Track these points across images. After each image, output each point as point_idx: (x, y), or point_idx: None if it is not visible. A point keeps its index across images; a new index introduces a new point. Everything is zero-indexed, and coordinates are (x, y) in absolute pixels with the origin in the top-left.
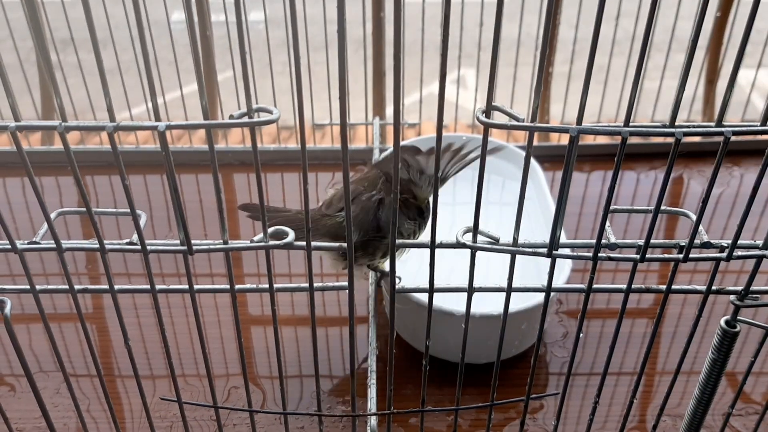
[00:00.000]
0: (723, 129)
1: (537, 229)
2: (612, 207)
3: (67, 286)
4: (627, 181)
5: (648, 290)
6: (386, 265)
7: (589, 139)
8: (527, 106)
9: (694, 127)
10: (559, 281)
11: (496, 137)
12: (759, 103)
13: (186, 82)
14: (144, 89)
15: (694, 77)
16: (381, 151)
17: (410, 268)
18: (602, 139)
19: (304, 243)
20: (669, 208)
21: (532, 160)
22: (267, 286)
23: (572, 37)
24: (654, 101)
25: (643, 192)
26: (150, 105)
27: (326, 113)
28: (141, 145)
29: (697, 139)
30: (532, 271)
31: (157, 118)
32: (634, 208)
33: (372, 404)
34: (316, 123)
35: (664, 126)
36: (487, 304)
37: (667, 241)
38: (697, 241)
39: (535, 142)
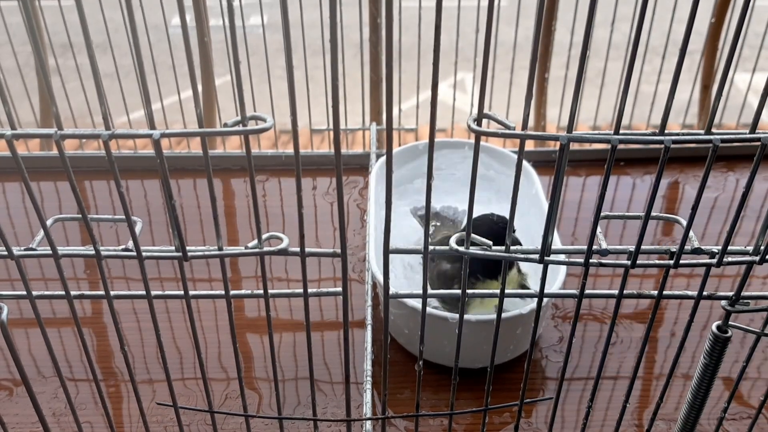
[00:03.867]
0: (711, 137)
1: (533, 234)
2: (604, 213)
3: (63, 292)
4: (623, 186)
5: (640, 296)
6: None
7: (585, 144)
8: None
9: (683, 134)
10: (553, 286)
11: (494, 143)
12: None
13: (184, 87)
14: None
15: (689, 82)
16: (378, 156)
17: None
18: (598, 144)
19: (298, 249)
20: (661, 215)
21: (528, 166)
22: (262, 291)
23: (570, 42)
24: (650, 105)
25: (640, 197)
26: (146, 111)
27: (324, 118)
28: (140, 150)
29: (691, 144)
30: (529, 272)
31: (152, 126)
32: (626, 214)
33: (367, 408)
34: (313, 128)
35: (653, 133)
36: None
37: (657, 247)
38: (687, 247)
39: (532, 148)
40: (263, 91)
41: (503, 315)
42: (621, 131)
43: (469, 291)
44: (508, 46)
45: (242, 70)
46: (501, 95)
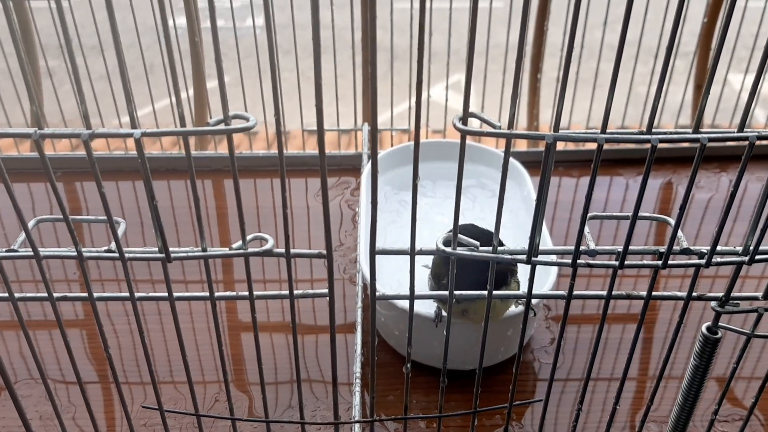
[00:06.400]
0: (699, 135)
1: (522, 235)
2: (591, 214)
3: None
4: (616, 187)
5: (629, 297)
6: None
7: (579, 145)
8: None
9: (671, 132)
10: (545, 287)
11: (488, 145)
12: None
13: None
14: (140, 95)
15: (683, 83)
16: (370, 157)
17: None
18: (591, 145)
19: (283, 250)
20: (650, 215)
21: (520, 166)
22: (247, 293)
23: (565, 43)
24: (643, 106)
25: (633, 198)
26: (136, 113)
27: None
28: (130, 151)
29: (685, 145)
30: (524, 274)
31: (134, 126)
32: (615, 214)
33: (356, 411)
34: (305, 128)
35: (640, 132)
36: None
37: (645, 247)
38: (677, 248)
39: (524, 148)
40: (256, 92)
41: None
42: (613, 131)
43: (457, 292)
44: (503, 47)
45: (233, 71)
46: (494, 96)
